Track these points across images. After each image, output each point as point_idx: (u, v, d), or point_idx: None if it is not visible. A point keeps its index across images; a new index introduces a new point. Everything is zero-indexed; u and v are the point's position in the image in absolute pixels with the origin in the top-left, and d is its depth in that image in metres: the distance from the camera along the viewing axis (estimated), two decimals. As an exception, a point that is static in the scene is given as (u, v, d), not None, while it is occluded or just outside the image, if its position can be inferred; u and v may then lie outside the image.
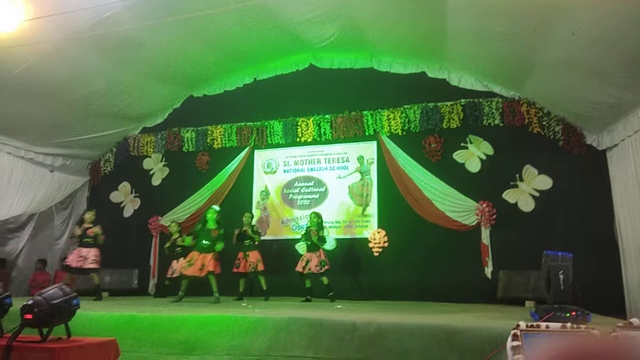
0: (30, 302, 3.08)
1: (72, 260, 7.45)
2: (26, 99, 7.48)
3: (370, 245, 8.13)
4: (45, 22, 5.65)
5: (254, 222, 8.27)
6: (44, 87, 7.39)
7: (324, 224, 7.54)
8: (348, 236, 8.34)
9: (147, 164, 9.80)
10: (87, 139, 9.18)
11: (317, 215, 7.51)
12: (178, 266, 8.14)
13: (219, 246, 6.91)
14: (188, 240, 7.54)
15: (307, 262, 7.31)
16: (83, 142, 9.21)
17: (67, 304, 3.15)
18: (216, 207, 7.27)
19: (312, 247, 7.40)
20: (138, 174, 9.76)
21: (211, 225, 6.95)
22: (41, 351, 2.95)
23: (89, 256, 7.44)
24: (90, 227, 7.63)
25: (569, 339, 0.58)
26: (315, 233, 7.37)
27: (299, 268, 7.38)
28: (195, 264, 6.76)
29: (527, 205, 7.46)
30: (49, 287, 3.27)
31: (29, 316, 3.02)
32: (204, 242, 6.89)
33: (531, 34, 5.69)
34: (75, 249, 7.65)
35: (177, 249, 8.30)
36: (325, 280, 7.31)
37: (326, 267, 7.31)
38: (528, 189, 7.49)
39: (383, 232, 8.15)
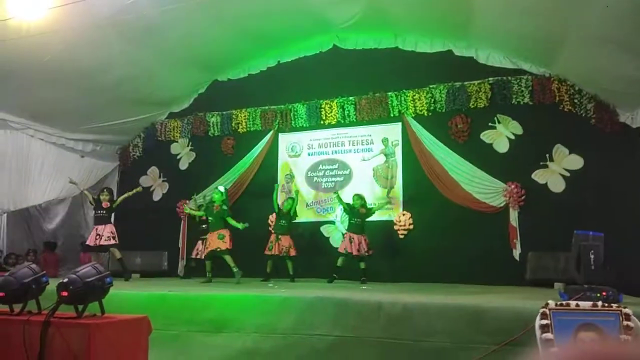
0: (66, 280, 3.20)
1: (91, 239, 7.66)
2: (56, 86, 7.65)
3: (396, 227, 8.10)
4: (72, 9, 5.75)
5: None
6: (73, 74, 7.54)
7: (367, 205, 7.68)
8: (373, 218, 8.30)
9: (174, 148, 9.95)
10: (116, 124, 9.36)
11: (361, 198, 7.58)
12: (202, 247, 8.33)
13: (242, 225, 7.14)
14: (199, 213, 8.01)
15: (360, 244, 7.31)
16: (112, 127, 9.40)
17: (101, 281, 3.25)
18: (221, 189, 7.61)
19: (358, 229, 7.44)
20: (166, 159, 9.93)
21: (217, 203, 7.31)
22: (77, 327, 3.07)
23: (104, 233, 7.60)
24: (106, 202, 7.77)
25: (587, 347, 0.55)
26: (363, 211, 7.45)
27: (350, 249, 7.31)
28: (208, 243, 7.25)
29: (557, 185, 7.29)
30: (83, 266, 3.39)
31: (65, 293, 3.13)
32: (209, 219, 7.36)
33: (562, 8, 5.50)
34: (93, 228, 7.85)
35: (202, 226, 8.44)
36: (363, 264, 7.35)
37: (372, 251, 7.41)
38: (558, 169, 7.30)
39: (408, 215, 8.10)
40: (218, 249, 7.07)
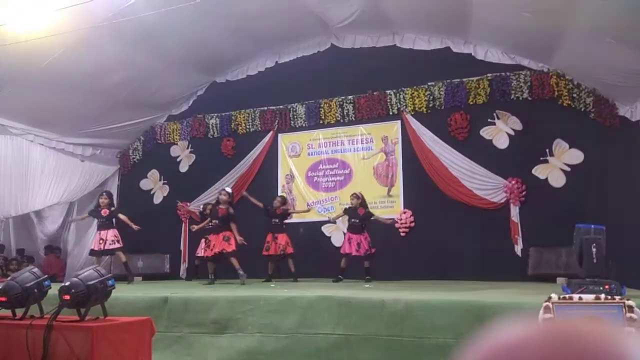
0: (68, 283, 3.20)
1: (95, 244, 7.65)
2: (55, 91, 7.65)
3: (397, 225, 8.09)
4: (69, 12, 5.75)
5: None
6: (72, 78, 7.53)
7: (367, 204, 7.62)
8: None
9: (174, 151, 9.95)
10: (116, 128, 9.35)
11: (357, 197, 7.50)
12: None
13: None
14: None
15: (358, 244, 7.25)
16: (111, 131, 9.39)
17: (103, 284, 3.25)
18: (228, 189, 7.55)
19: (357, 229, 7.37)
20: (166, 162, 9.92)
21: (222, 206, 7.22)
22: (80, 330, 3.07)
23: (108, 237, 7.57)
24: (105, 209, 7.75)
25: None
26: (363, 211, 7.38)
27: (349, 250, 7.29)
28: (209, 245, 7.13)
29: (557, 180, 7.28)
30: (84, 269, 3.39)
31: (67, 297, 3.13)
32: (215, 222, 7.21)
33: (560, 2, 5.49)
34: (96, 233, 7.83)
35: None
36: (367, 263, 7.29)
37: (374, 249, 7.31)
38: (559, 163, 7.30)
39: (409, 212, 8.09)
40: (227, 250, 7.00)
